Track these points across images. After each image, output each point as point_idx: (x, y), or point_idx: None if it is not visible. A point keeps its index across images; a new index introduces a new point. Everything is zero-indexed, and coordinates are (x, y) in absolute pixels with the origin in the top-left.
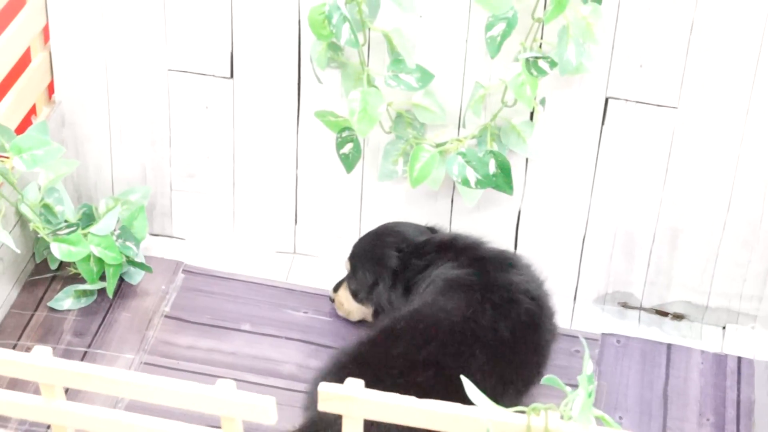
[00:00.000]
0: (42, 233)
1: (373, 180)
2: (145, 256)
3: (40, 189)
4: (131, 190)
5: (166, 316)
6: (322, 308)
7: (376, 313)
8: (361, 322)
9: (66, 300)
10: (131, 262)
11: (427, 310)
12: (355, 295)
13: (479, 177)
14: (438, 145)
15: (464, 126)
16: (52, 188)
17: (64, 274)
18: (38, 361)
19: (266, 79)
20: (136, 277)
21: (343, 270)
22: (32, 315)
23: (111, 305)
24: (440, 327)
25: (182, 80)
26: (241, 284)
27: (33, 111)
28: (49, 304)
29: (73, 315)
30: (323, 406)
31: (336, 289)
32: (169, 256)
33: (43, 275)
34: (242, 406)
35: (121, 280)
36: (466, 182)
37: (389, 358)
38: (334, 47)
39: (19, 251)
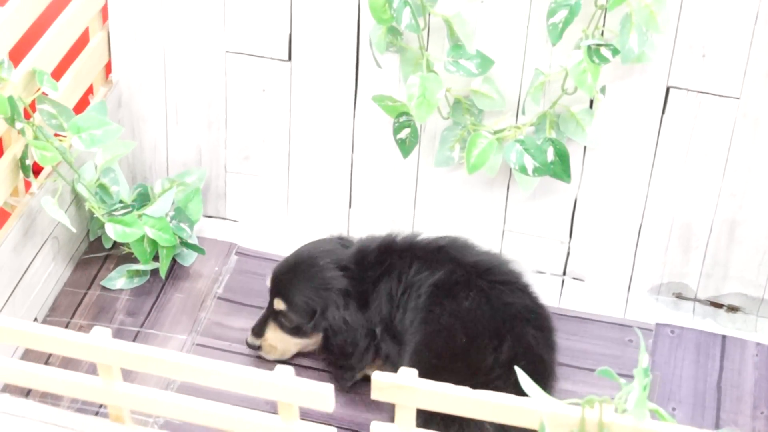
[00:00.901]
0: (97, 213)
1: (429, 166)
2: (199, 238)
3: (96, 169)
4: (187, 172)
5: (219, 298)
6: None
7: (326, 339)
8: None
9: (119, 279)
10: (185, 243)
11: (452, 321)
12: (296, 331)
13: (537, 165)
14: (496, 132)
15: (523, 113)
16: (109, 168)
17: (118, 253)
18: (98, 342)
19: (324, 63)
20: (189, 258)
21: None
22: (85, 293)
23: (164, 286)
24: (483, 327)
25: (240, 62)
26: None
27: (90, 91)
28: (102, 283)
29: (126, 294)
30: (376, 395)
31: (259, 334)
32: (223, 238)
33: (97, 254)
34: (301, 392)
35: (174, 261)
36: (523, 170)
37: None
38: (394, 32)
39: (74, 230)
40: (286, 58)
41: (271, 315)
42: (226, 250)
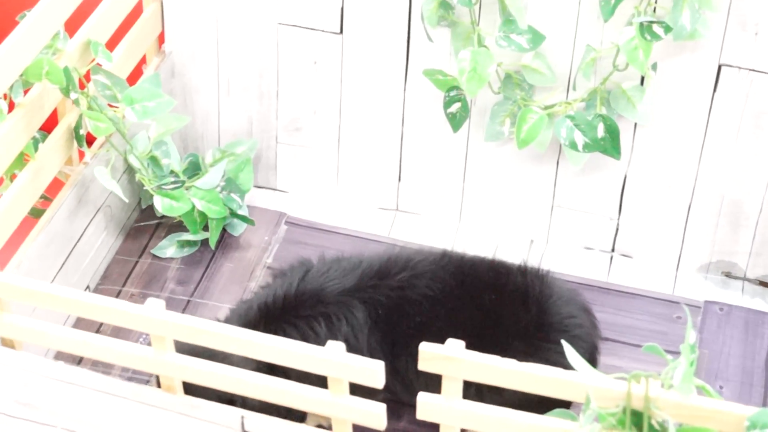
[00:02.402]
0: (147, 185)
1: (479, 140)
2: (249, 207)
3: (149, 141)
4: (238, 143)
5: (268, 268)
6: None
7: None
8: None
9: (169, 248)
10: (234, 214)
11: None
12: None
13: (587, 140)
14: (546, 108)
15: (574, 89)
16: (161, 141)
17: (169, 222)
18: (152, 313)
19: (375, 36)
20: (239, 228)
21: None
22: (136, 262)
23: (214, 255)
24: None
25: (291, 34)
26: (344, 238)
27: (144, 61)
28: (153, 251)
29: (177, 263)
30: (423, 366)
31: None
32: (273, 208)
33: (148, 222)
34: (351, 368)
35: (224, 230)
36: (573, 145)
37: None
38: (446, 5)
39: (126, 200)
40: (338, 30)
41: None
42: (275, 219)
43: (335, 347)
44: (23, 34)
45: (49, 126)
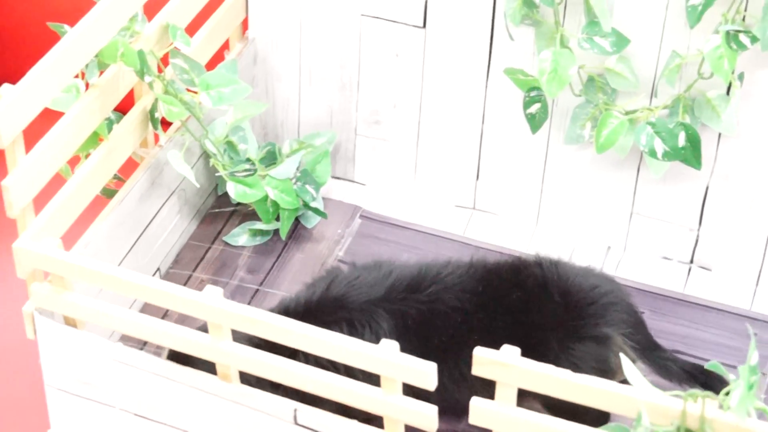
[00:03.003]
0: (221, 171)
1: (559, 142)
2: (324, 199)
3: (226, 126)
4: (317, 134)
5: (340, 261)
6: None
7: None
8: None
9: (241, 236)
10: (307, 206)
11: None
12: None
13: (667, 149)
14: (628, 113)
15: (657, 95)
16: (238, 127)
17: (244, 210)
18: (209, 301)
19: (459, 31)
20: (312, 220)
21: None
22: (209, 248)
23: (286, 246)
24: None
25: (374, 26)
26: (419, 234)
27: (226, 46)
28: (225, 238)
29: (248, 252)
30: (477, 371)
31: None
32: (349, 201)
33: (223, 209)
34: (403, 368)
35: (297, 221)
36: (653, 153)
37: None
38: (530, 4)
39: (198, 185)
40: (421, 24)
41: None
42: (350, 212)
43: (389, 346)
44: (100, 15)
45: (125, 107)
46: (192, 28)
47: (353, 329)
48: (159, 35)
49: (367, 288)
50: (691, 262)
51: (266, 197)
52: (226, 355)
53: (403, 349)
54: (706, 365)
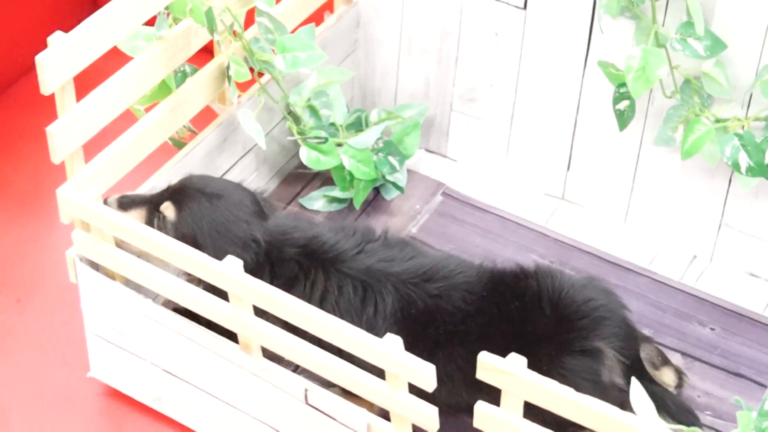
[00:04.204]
0: (295, 135)
1: (652, 142)
2: (410, 171)
3: (308, 90)
4: (408, 106)
5: (411, 237)
6: (569, 260)
7: None
8: None
9: (318, 201)
10: (384, 178)
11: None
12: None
13: (751, 164)
14: (718, 120)
15: (752, 105)
16: (322, 92)
17: (326, 174)
18: (227, 271)
19: (559, 16)
20: (391, 192)
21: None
22: (284, 208)
23: (359, 216)
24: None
25: (476, 2)
26: (497, 220)
27: (329, 7)
28: (301, 200)
29: (321, 217)
30: (481, 375)
31: (125, 207)
32: (434, 176)
33: (307, 170)
34: (403, 366)
35: (377, 191)
36: (736, 166)
37: None
38: None
39: (264, 147)
40: (522, 5)
41: (149, 206)
42: (433, 188)
43: (394, 342)
44: None
45: None
46: None
47: (365, 292)
48: None
49: (387, 261)
50: None
51: (342, 165)
52: (244, 326)
53: (400, 331)
54: (735, 399)
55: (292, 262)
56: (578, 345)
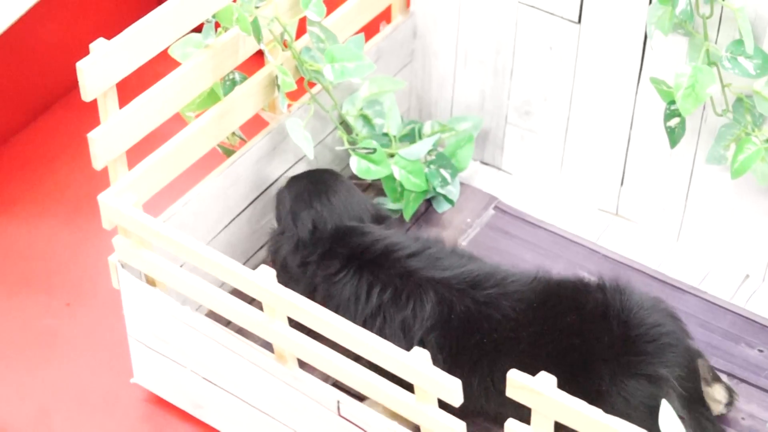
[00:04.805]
0: (345, 144)
1: (705, 160)
2: (463, 185)
3: (360, 100)
4: (463, 118)
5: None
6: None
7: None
8: None
9: None
10: (434, 190)
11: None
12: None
13: None
14: None
15: None
16: (375, 101)
17: (378, 185)
18: (260, 281)
19: (614, 31)
20: (443, 205)
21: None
22: None
23: (410, 228)
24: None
25: (531, 15)
26: (548, 235)
27: (386, 17)
28: None
29: None
30: (510, 393)
31: None
32: (487, 189)
33: (361, 181)
34: (428, 380)
35: (429, 203)
36: None
37: None
38: (686, 14)
39: (312, 157)
40: (576, 19)
41: None
42: (485, 202)
43: (421, 356)
44: None
45: None
46: None
47: (398, 296)
48: (292, 2)
49: (438, 270)
50: None
51: (392, 176)
52: (277, 336)
53: (437, 335)
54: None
55: (339, 257)
56: (643, 369)
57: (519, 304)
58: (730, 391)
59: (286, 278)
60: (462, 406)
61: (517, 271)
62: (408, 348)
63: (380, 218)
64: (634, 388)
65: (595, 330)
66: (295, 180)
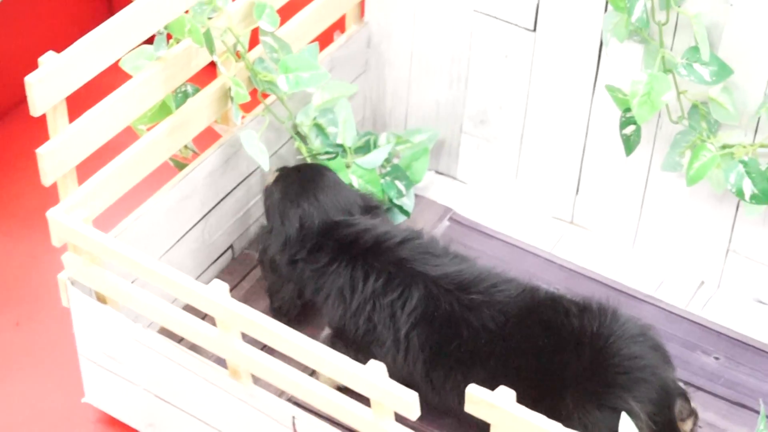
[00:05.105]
0: (303, 153)
1: (660, 167)
2: (418, 196)
3: (314, 108)
4: (418, 130)
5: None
6: (576, 288)
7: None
8: None
9: None
10: (391, 202)
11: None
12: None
13: (755, 191)
14: (725, 147)
15: (760, 132)
16: (328, 109)
17: None
18: (213, 296)
19: (569, 39)
20: (399, 216)
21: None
22: None
23: None
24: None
25: (486, 24)
26: (504, 246)
27: (340, 26)
28: None
29: None
30: (469, 408)
31: None
32: (444, 199)
33: None
34: (385, 393)
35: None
36: (740, 193)
37: None
38: (641, 20)
39: (266, 169)
40: (532, 27)
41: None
42: (440, 214)
43: (377, 369)
44: None
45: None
46: (304, 2)
47: (389, 284)
48: (245, 13)
49: (431, 265)
50: None
51: (350, 185)
52: (234, 352)
53: (420, 333)
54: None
55: (327, 250)
56: (610, 401)
57: (500, 315)
58: (696, 419)
59: (274, 277)
60: (437, 404)
61: (508, 279)
62: (395, 341)
63: (370, 208)
64: (597, 418)
65: (568, 354)
66: (282, 176)
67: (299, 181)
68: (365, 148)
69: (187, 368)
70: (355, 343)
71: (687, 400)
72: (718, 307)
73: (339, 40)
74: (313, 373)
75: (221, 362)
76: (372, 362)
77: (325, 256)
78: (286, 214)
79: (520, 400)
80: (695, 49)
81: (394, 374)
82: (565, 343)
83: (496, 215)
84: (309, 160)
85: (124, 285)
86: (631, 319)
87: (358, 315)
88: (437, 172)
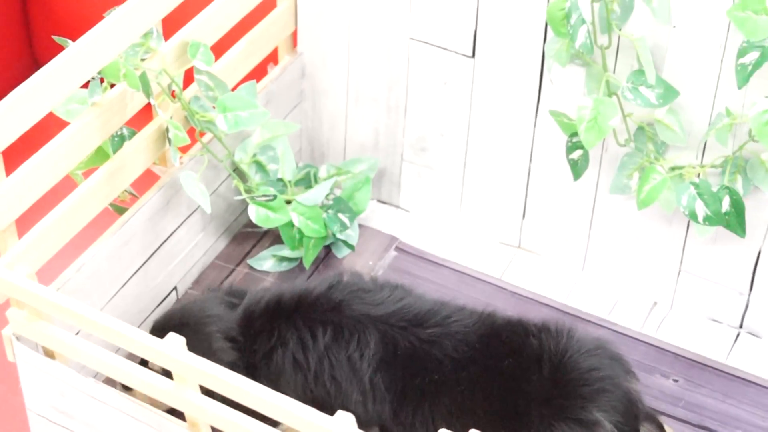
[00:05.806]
0: (243, 194)
1: (608, 189)
2: (362, 226)
3: (253, 146)
4: (358, 160)
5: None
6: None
7: None
8: None
9: (267, 261)
10: (334, 236)
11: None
12: None
13: (708, 213)
14: (674, 168)
15: (708, 152)
16: (268, 146)
17: (276, 232)
18: (168, 350)
19: (508, 65)
20: (343, 249)
21: None
22: (233, 269)
23: (311, 275)
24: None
25: (423, 51)
26: (452, 274)
27: (273, 59)
28: (249, 261)
29: (272, 277)
30: None
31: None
32: (388, 228)
33: (256, 229)
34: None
35: (329, 249)
36: (693, 216)
37: None
38: (583, 45)
39: (209, 211)
40: (470, 54)
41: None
42: (386, 243)
43: (345, 419)
44: (102, 32)
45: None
46: (234, 37)
47: (339, 334)
48: (179, 52)
49: (372, 305)
50: (741, 327)
51: (291, 223)
52: (191, 406)
53: (384, 376)
54: None
55: (262, 335)
56: (575, 413)
57: (461, 345)
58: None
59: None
60: None
61: (459, 308)
62: (360, 392)
63: (238, 294)
64: (563, 431)
65: (529, 374)
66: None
67: (188, 326)
68: (306, 181)
69: (144, 422)
70: (332, 409)
71: (658, 424)
72: (673, 328)
73: (273, 72)
74: (276, 424)
75: (175, 413)
76: (339, 413)
77: (263, 340)
78: (212, 347)
79: (489, 420)
80: (640, 72)
81: (365, 421)
82: (528, 362)
83: (442, 243)
84: (248, 200)
85: (70, 339)
86: (585, 336)
87: (320, 375)
88: (380, 201)
